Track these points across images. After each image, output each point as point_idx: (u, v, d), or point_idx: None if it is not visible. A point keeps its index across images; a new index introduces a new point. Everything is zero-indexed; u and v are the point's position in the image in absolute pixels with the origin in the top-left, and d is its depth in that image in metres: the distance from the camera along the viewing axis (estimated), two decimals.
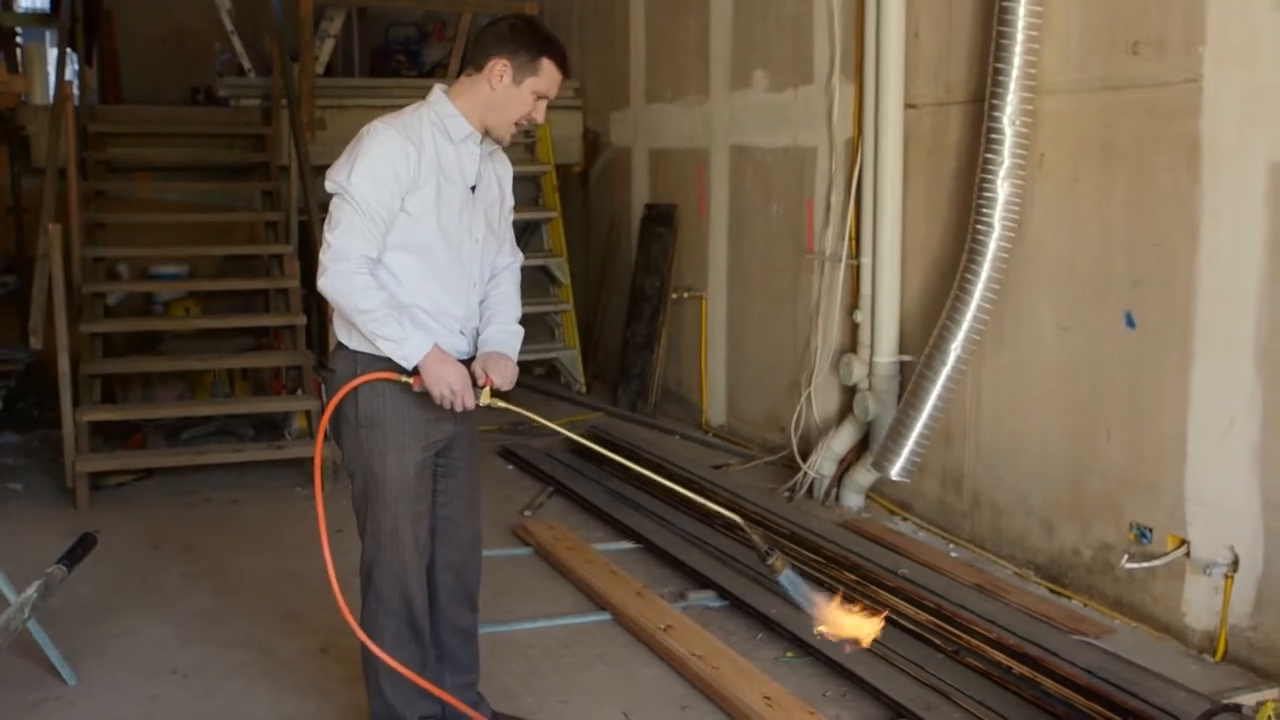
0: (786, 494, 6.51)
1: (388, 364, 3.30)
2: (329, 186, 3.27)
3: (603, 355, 9.50)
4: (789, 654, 4.46)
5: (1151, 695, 3.84)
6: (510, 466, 7.13)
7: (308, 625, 4.80)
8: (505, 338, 3.50)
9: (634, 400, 8.53)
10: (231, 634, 4.75)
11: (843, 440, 6.35)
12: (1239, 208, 4.31)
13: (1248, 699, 3.97)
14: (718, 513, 3.59)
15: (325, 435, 3.44)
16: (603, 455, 3.68)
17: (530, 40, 3.32)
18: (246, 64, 9.54)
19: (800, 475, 6.52)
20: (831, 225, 6.57)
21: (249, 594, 5.17)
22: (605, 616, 4.86)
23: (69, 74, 8.50)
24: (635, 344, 8.63)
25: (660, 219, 8.53)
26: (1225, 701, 3.85)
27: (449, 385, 3.27)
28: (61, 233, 6.56)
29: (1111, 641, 4.54)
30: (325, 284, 3.25)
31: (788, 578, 3.32)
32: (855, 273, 6.33)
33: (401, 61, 11.70)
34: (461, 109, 3.34)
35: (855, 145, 6.29)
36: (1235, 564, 4.38)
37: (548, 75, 3.34)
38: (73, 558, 4.41)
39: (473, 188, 3.41)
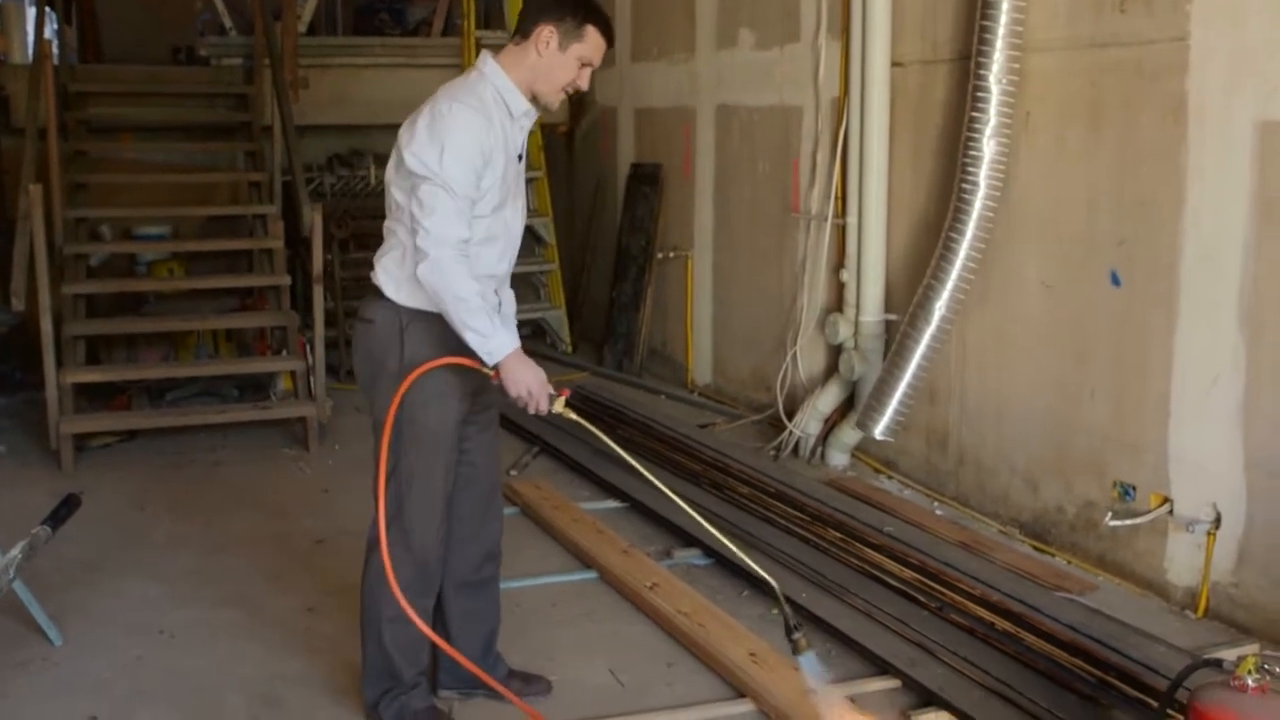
0: (772, 453, 6.52)
1: (436, 319, 3.32)
2: (417, 169, 3.25)
3: (588, 315, 9.49)
4: (774, 611, 4.48)
5: (1133, 650, 3.88)
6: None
7: (295, 585, 4.81)
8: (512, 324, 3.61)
9: (620, 360, 8.53)
10: (218, 594, 4.75)
11: (828, 399, 6.37)
12: (1225, 166, 4.31)
13: (1229, 654, 3.98)
14: (745, 563, 3.62)
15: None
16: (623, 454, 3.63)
17: (575, 7, 3.37)
18: (228, 22, 9.45)
19: (786, 434, 6.54)
20: (817, 184, 6.56)
21: (235, 554, 5.17)
22: (592, 575, 4.88)
23: (48, 33, 8.42)
24: (621, 304, 8.62)
25: (646, 178, 8.50)
26: (1206, 656, 3.88)
27: (528, 388, 3.31)
28: (42, 193, 6.51)
29: (1094, 598, 4.57)
30: (427, 271, 3.23)
31: (808, 659, 3.36)
32: (841, 232, 6.33)
33: (385, 20, 11.57)
34: (514, 79, 3.39)
35: (841, 104, 6.27)
36: (1218, 521, 4.41)
37: (593, 42, 3.39)
38: (57, 518, 4.41)
39: (519, 157, 3.50)
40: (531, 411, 3.36)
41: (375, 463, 3.39)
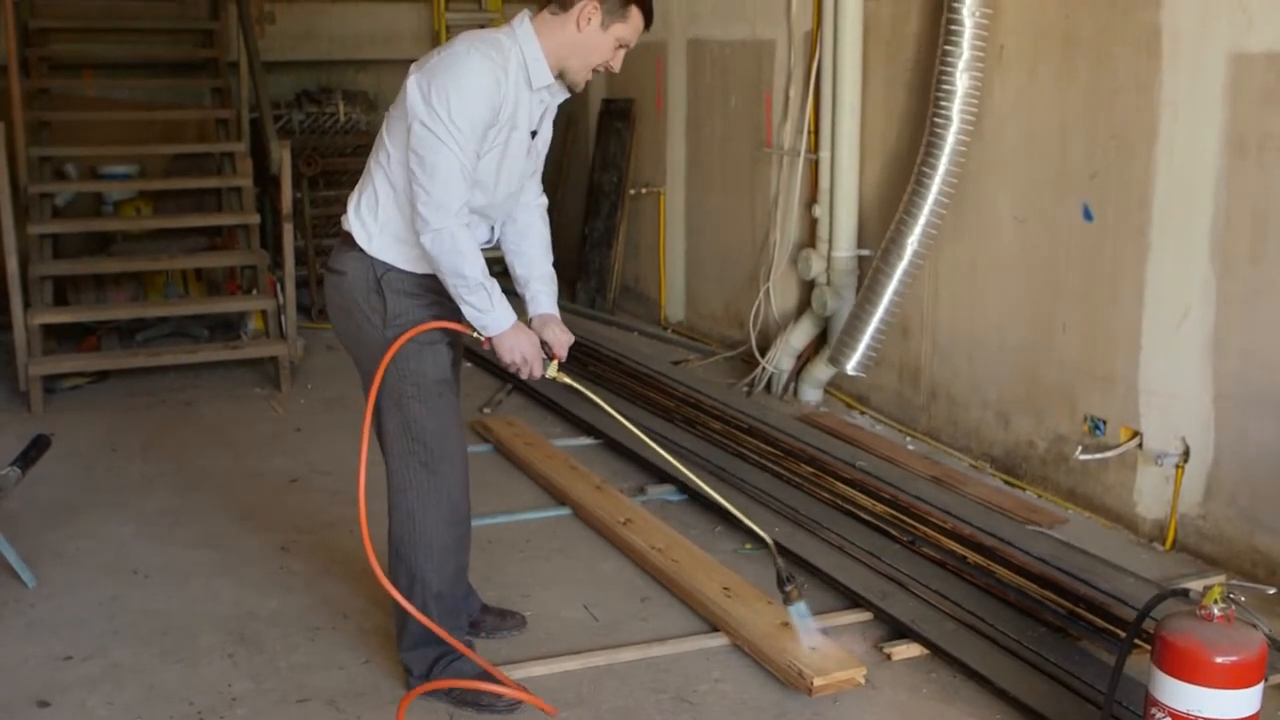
0: (745, 389, 6.53)
1: (411, 275, 3.25)
2: (423, 116, 3.07)
3: (560, 252, 9.33)
4: (747, 546, 4.51)
5: (1102, 582, 3.92)
6: (469, 364, 7.11)
7: (268, 523, 4.80)
8: (550, 296, 3.57)
9: (593, 297, 8.51)
10: (191, 534, 4.74)
11: (801, 335, 6.37)
12: (1198, 99, 4.29)
13: (1196, 584, 4.04)
14: (743, 519, 3.66)
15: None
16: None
17: None
18: None
19: (759, 370, 6.55)
20: (790, 119, 6.52)
21: (208, 494, 5.16)
22: (565, 511, 4.89)
23: None
24: (593, 241, 8.58)
25: (617, 114, 8.44)
26: (1174, 587, 3.92)
27: (522, 355, 3.26)
28: (5, 131, 6.41)
29: (1064, 531, 4.62)
30: (431, 243, 3.10)
31: (799, 609, 3.45)
32: (814, 167, 6.30)
33: None
34: (545, 48, 3.22)
35: (814, 37, 6.21)
36: (1186, 454, 4.44)
37: (634, 24, 3.25)
38: (26, 459, 4.39)
39: (533, 133, 3.33)
40: (524, 377, 3.30)
41: (375, 429, 3.31)
